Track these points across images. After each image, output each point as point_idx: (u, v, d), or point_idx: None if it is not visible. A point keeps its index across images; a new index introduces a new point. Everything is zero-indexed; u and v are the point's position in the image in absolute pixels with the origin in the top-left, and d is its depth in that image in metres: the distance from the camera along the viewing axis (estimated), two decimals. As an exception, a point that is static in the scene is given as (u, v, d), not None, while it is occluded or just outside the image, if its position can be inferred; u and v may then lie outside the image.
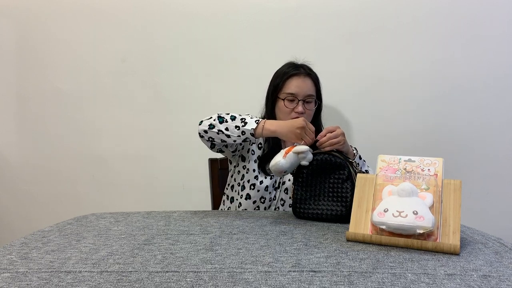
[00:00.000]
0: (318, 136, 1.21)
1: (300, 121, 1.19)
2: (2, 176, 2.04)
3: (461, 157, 1.77)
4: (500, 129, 1.75)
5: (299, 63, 1.47)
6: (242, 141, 1.23)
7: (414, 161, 1.00)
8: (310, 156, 1.15)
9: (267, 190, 1.40)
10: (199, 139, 1.31)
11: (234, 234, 1.00)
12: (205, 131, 1.25)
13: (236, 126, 1.20)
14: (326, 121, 1.57)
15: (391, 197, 0.93)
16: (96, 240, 0.96)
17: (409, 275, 0.74)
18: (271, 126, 1.20)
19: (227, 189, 1.52)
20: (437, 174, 0.96)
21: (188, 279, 0.72)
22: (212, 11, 1.82)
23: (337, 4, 1.76)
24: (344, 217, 1.10)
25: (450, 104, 1.76)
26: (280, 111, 1.42)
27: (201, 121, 1.28)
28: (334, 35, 1.78)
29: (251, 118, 1.23)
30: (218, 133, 1.22)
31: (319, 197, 1.15)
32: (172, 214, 1.21)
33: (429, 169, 0.98)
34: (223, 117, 1.24)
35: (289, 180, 1.41)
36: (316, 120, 1.49)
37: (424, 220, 0.86)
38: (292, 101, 1.39)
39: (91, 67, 1.92)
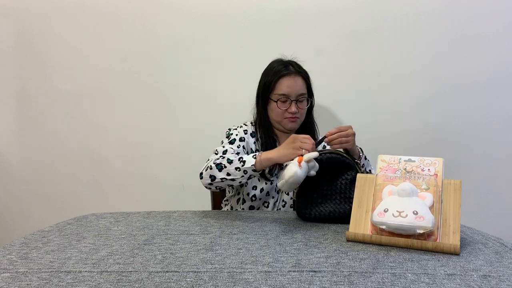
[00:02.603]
0: (327, 133, 1.20)
1: (290, 137, 1.17)
2: (2, 176, 2.04)
3: (461, 157, 1.77)
4: (500, 129, 1.75)
5: (286, 59, 1.43)
6: (247, 179, 1.23)
7: (414, 161, 1.00)
8: (317, 165, 1.12)
9: (269, 195, 1.39)
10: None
11: (234, 234, 1.00)
12: (210, 183, 1.23)
13: (236, 168, 1.19)
14: (326, 121, 1.57)
15: (391, 197, 0.93)
16: (96, 240, 0.96)
17: (409, 275, 0.74)
18: (268, 155, 1.18)
19: (230, 197, 1.49)
20: (437, 174, 0.96)
21: (188, 279, 0.72)
22: (212, 11, 1.82)
23: (337, 4, 1.76)
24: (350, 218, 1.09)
25: (450, 103, 1.76)
26: (273, 112, 1.40)
27: (201, 174, 1.25)
28: (334, 35, 1.77)
29: (247, 155, 1.21)
30: (222, 181, 1.21)
31: (327, 197, 1.14)
32: (172, 214, 1.21)
33: (429, 169, 0.98)
34: (221, 163, 1.21)
35: None
36: (308, 117, 1.47)
37: (424, 220, 0.86)
38: (284, 101, 1.37)
39: (91, 67, 1.92)
